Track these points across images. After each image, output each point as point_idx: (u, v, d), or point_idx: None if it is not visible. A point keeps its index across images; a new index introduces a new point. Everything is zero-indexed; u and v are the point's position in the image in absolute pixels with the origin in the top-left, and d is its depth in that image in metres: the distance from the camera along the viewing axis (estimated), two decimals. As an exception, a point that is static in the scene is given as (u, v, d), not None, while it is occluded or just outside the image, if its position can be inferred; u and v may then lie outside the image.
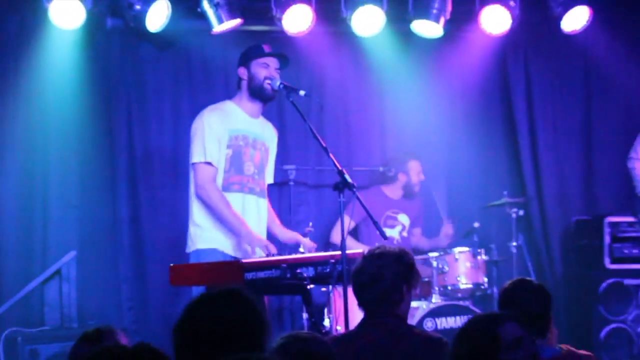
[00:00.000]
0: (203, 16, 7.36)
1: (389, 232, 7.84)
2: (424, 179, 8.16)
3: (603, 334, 7.90)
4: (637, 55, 8.44)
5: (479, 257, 7.66)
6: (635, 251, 8.01)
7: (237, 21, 7.39)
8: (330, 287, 6.67)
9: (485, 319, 3.28)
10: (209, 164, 6.14)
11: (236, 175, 6.23)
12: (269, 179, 6.55)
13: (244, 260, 5.46)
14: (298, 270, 5.42)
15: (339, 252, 5.48)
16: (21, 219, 7.48)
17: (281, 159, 7.27)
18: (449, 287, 7.58)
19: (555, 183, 8.68)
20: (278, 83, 6.16)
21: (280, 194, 7.83)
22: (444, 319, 7.23)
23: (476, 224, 7.92)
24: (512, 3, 7.74)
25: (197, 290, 5.76)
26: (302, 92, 6.05)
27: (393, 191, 8.18)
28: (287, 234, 6.43)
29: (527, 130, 8.65)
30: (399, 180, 8.14)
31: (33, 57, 7.42)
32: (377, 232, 5.83)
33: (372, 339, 4.31)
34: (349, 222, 7.83)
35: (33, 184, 7.54)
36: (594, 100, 8.78)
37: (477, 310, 7.27)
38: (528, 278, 4.72)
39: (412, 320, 6.76)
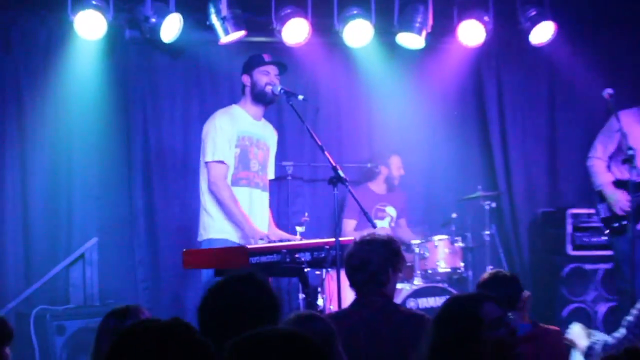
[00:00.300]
0: (211, 28, 7.34)
1: (379, 223, 7.84)
2: (404, 174, 8.16)
3: (565, 312, 7.92)
4: (596, 65, 8.39)
5: (456, 244, 7.64)
6: (594, 239, 7.98)
7: (241, 33, 7.38)
8: (324, 270, 6.65)
9: (466, 301, 3.26)
10: (221, 162, 6.11)
11: (244, 171, 6.22)
12: (270, 174, 6.53)
13: (249, 246, 5.45)
14: (296, 255, 5.41)
15: (332, 239, 5.46)
16: (48, 210, 7.47)
17: (280, 156, 7.22)
18: (429, 271, 7.56)
19: (523, 179, 8.66)
20: (279, 88, 6.15)
21: (279, 188, 7.80)
22: (424, 299, 7.21)
23: (454, 215, 7.87)
24: (486, 18, 7.75)
25: (206, 274, 5.80)
26: (300, 97, 6.03)
27: (378, 186, 8.17)
28: (277, 234, 6.36)
29: (499, 131, 8.63)
30: (382, 173, 8.13)
31: (60, 65, 7.41)
32: (369, 223, 5.82)
33: (363, 316, 4.35)
34: (353, 223, 7.93)
35: (59, 178, 7.53)
36: (557, 105, 8.77)
37: (454, 292, 7.26)
38: (501, 270, 4.77)
39: (397, 300, 6.75)
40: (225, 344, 2.28)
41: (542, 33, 7.83)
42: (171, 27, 7.25)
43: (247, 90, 6.32)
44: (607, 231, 7.06)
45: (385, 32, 7.79)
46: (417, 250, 7.58)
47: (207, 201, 6.18)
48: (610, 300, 7.93)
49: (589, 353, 4.61)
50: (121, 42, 7.60)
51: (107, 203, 7.66)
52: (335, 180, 5.49)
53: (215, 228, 6.13)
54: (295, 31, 7.49)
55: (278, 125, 7.39)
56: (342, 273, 4.96)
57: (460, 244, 7.70)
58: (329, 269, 6.24)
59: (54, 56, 7.44)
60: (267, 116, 6.54)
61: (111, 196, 7.70)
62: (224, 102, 7.02)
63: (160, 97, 7.93)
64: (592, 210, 7.58)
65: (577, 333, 4.73)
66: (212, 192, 6.12)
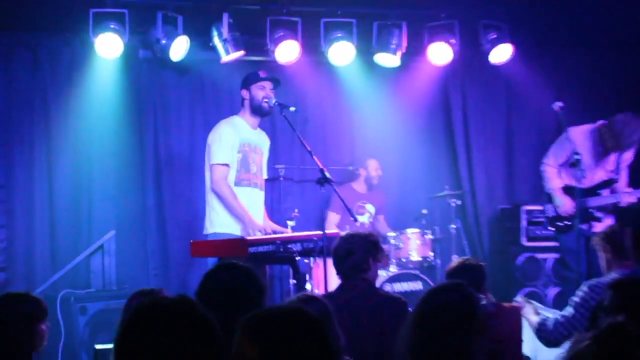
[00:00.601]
0: (214, 49, 7.34)
1: (359, 218, 7.71)
2: (382, 174, 8.14)
3: (520, 295, 7.97)
4: (547, 82, 8.39)
5: (426, 237, 7.64)
6: (545, 232, 7.89)
7: (240, 53, 7.37)
8: (312, 259, 6.71)
9: (451, 289, 3.22)
10: (224, 165, 6.10)
11: (245, 173, 6.22)
12: (265, 175, 6.52)
13: (248, 238, 5.49)
14: (288, 246, 5.44)
15: (319, 232, 5.50)
16: (72, 207, 7.48)
17: (273, 159, 7.23)
18: (403, 260, 7.55)
19: (484, 179, 8.63)
20: (273, 101, 6.14)
21: (272, 187, 7.76)
22: (399, 284, 7.20)
23: (424, 211, 7.86)
24: (452, 40, 7.73)
25: (212, 261, 5.75)
26: (292, 108, 6.03)
27: (359, 186, 8.15)
28: (271, 226, 6.35)
29: (463, 138, 8.61)
30: (361, 174, 8.11)
31: (82, 80, 7.43)
32: (351, 218, 5.91)
33: (348, 298, 4.44)
34: (337, 217, 7.97)
35: (80, 180, 7.53)
36: (514, 115, 8.73)
37: (426, 278, 7.29)
38: (468, 258, 4.86)
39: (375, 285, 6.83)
40: (240, 319, 2.31)
41: (501, 54, 7.84)
42: (179, 48, 7.27)
43: (246, 103, 6.30)
44: (553, 229, 7.08)
45: (365, 52, 7.79)
46: (392, 241, 7.58)
47: (212, 199, 6.16)
48: (558, 285, 7.90)
49: (540, 328, 4.70)
50: (135, 61, 7.60)
51: (122, 201, 7.66)
52: (322, 180, 5.51)
53: (220, 222, 6.11)
54: (287, 51, 7.49)
55: (272, 133, 7.41)
56: (328, 261, 5.08)
57: (430, 236, 7.70)
58: (317, 258, 6.29)
59: (76, 73, 7.45)
60: (263, 124, 6.53)
61: (126, 195, 7.70)
62: (225, 113, 7.02)
63: (169, 109, 7.91)
64: (543, 208, 7.62)
65: (528, 310, 4.82)
66: (214, 190, 6.11)
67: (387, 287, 7.09)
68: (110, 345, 3.77)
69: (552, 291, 8.00)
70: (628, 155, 6.95)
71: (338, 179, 7.65)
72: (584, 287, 4.50)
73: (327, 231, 5.55)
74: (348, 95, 8.29)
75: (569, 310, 4.55)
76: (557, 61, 8.70)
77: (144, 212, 7.78)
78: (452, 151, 8.70)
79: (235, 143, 6.19)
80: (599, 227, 6.41)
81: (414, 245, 7.62)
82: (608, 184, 6.89)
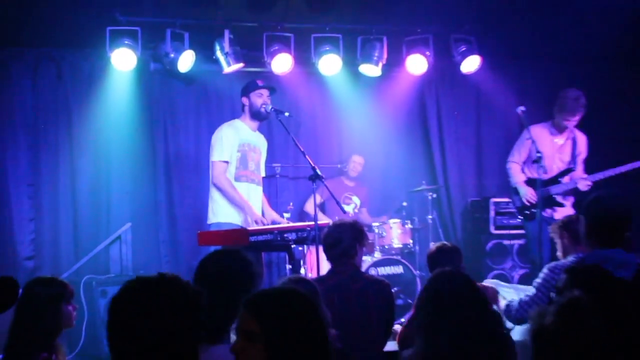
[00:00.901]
0: (217, 61, 7.36)
1: (346, 207, 7.84)
2: (360, 170, 8.10)
3: (489, 277, 7.98)
4: (511, 88, 8.37)
5: (406, 226, 7.66)
6: (511, 222, 7.93)
7: (240, 65, 7.38)
8: (306, 246, 6.71)
9: (455, 277, 3.18)
10: (224, 162, 6.11)
11: (244, 170, 6.23)
12: (262, 173, 6.51)
13: (249, 228, 5.51)
14: (285, 235, 5.43)
15: (313, 222, 5.49)
16: (92, 201, 7.49)
17: (270, 159, 7.22)
18: (386, 246, 7.57)
19: (457, 175, 8.62)
20: (270, 107, 6.13)
21: (269, 183, 7.70)
22: (382, 268, 7.22)
23: (404, 203, 7.87)
24: (427, 53, 7.74)
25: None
26: (287, 113, 6.03)
27: (347, 180, 8.15)
28: (272, 215, 6.38)
29: (438, 139, 8.60)
30: (349, 170, 8.11)
31: (100, 90, 7.43)
32: (338, 207, 5.94)
33: (337, 280, 4.43)
34: (319, 199, 7.97)
35: (100, 177, 7.54)
36: (483, 118, 8.72)
37: (406, 262, 7.30)
38: (445, 242, 4.86)
39: (361, 269, 6.83)
40: (243, 299, 2.33)
41: (470, 64, 7.84)
42: (186, 61, 7.28)
43: (246, 108, 6.30)
44: (521, 217, 7.10)
45: (351, 64, 7.79)
46: (376, 230, 7.60)
47: (214, 192, 6.15)
48: (523, 268, 7.90)
49: (507, 309, 4.71)
50: (147, 73, 7.60)
51: (137, 196, 7.66)
52: (314, 177, 5.51)
53: (221, 213, 6.10)
54: (282, 63, 7.50)
55: (269, 135, 7.40)
56: (320, 249, 5.09)
57: (410, 226, 7.71)
58: (310, 246, 6.30)
59: (95, 83, 7.45)
60: (261, 127, 6.53)
61: (140, 191, 7.69)
62: (226, 117, 6.97)
63: (177, 114, 7.92)
64: (509, 200, 7.63)
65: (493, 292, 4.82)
66: (216, 184, 6.11)
67: (372, 271, 7.12)
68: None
69: (518, 273, 7.99)
70: (582, 148, 7.03)
71: (328, 174, 7.66)
72: (545, 270, 4.50)
73: (320, 222, 5.52)
74: (336, 101, 8.27)
75: (532, 291, 4.57)
76: (521, 70, 8.68)
77: (156, 206, 7.77)
78: (428, 150, 8.67)
79: (235, 143, 6.18)
80: (562, 213, 6.46)
81: (395, 233, 7.62)
82: (566, 172, 6.95)
